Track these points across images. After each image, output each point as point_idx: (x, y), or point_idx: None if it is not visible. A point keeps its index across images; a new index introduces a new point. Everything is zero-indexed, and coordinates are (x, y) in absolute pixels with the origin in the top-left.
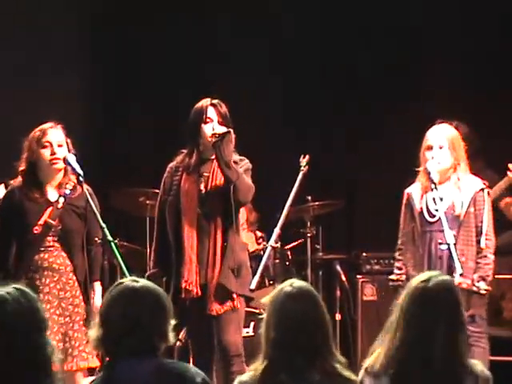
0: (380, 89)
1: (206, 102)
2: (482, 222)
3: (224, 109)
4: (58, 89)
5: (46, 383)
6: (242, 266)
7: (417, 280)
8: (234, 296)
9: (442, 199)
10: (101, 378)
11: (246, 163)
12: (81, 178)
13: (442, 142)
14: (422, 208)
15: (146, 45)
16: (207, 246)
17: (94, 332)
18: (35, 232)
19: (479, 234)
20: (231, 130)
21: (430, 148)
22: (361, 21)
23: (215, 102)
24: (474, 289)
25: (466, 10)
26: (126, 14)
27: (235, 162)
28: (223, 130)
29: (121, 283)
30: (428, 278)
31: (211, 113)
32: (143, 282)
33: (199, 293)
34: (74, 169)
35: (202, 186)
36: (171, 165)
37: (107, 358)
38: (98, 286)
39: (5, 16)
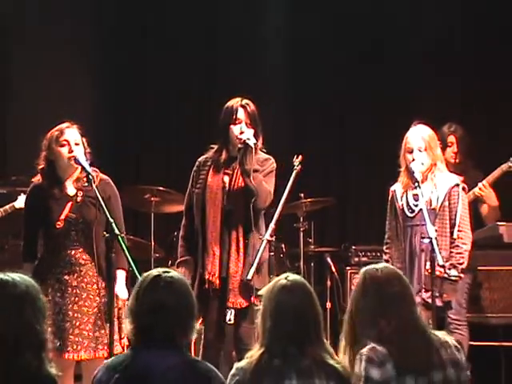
0: (375, 88)
1: (236, 102)
2: (455, 215)
3: (253, 109)
4: (69, 89)
5: (34, 364)
6: (263, 264)
7: (368, 272)
8: (255, 292)
9: (422, 195)
10: (124, 359)
11: (270, 164)
12: (90, 177)
13: (421, 144)
14: (403, 204)
15: (157, 48)
16: (229, 241)
17: (129, 321)
18: (58, 227)
19: (453, 226)
20: (253, 147)
21: (410, 151)
22: (364, 24)
23: (244, 102)
24: (446, 276)
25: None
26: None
27: (257, 170)
28: (249, 137)
29: (156, 274)
30: (377, 269)
31: (240, 114)
32: (174, 273)
33: (219, 284)
34: (83, 167)
35: (227, 183)
36: (200, 159)
37: (131, 345)
38: (120, 273)
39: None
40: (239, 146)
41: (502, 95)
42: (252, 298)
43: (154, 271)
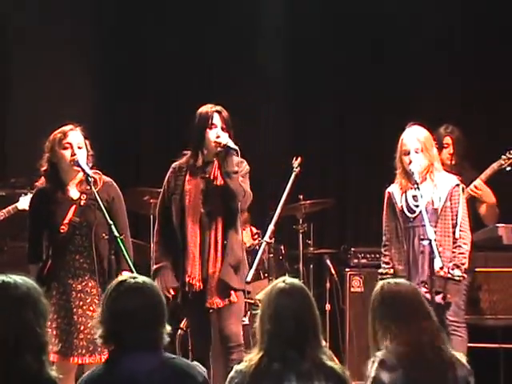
0: (375, 88)
1: (210, 108)
2: (456, 215)
3: (226, 115)
4: (69, 89)
5: (34, 367)
6: (241, 263)
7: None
8: (234, 291)
9: (421, 197)
10: (103, 371)
11: (245, 166)
12: (89, 179)
13: (417, 145)
14: (402, 206)
15: (157, 48)
16: (208, 242)
17: (97, 328)
18: (62, 231)
19: (454, 226)
20: (237, 149)
21: (406, 152)
22: (364, 24)
23: (219, 108)
24: (449, 276)
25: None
26: (137, 14)
27: (236, 172)
28: (227, 140)
29: (120, 280)
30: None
31: (216, 119)
32: (141, 278)
33: (201, 286)
34: (83, 170)
35: (204, 187)
36: (174, 165)
37: (109, 352)
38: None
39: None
40: (218, 149)
41: (502, 95)
42: (231, 297)
43: (121, 277)
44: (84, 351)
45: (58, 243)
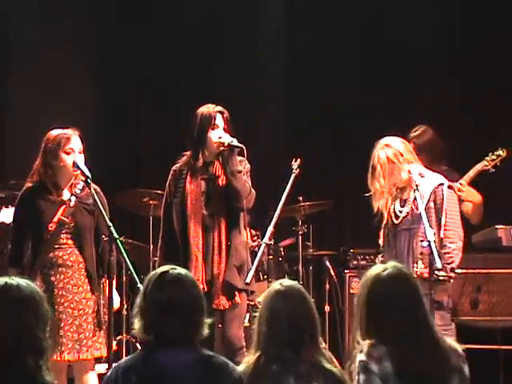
0: (376, 89)
1: (213, 108)
2: (441, 214)
3: (228, 116)
4: (69, 89)
5: (31, 370)
6: (244, 264)
7: (374, 273)
8: (238, 292)
9: (421, 197)
10: (138, 361)
11: (246, 165)
12: (89, 180)
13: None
14: (390, 213)
15: (157, 48)
16: (212, 244)
17: (137, 319)
18: (50, 229)
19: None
20: (242, 146)
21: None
22: (364, 24)
23: (221, 108)
24: (435, 277)
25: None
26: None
27: (240, 171)
28: (231, 139)
29: (162, 271)
30: (384, 269)
31: (219, 119)
32: (182, 270)
33: (206, 289)
34: (82, 172)
35: (206, 188)
36: (175, 168)
37: (146, 343)
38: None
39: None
40: (221, 149)
41: (502, 95)
42: (236, 298)
43: (161, 268)
44: (62, 348)
45: (43, 241)
